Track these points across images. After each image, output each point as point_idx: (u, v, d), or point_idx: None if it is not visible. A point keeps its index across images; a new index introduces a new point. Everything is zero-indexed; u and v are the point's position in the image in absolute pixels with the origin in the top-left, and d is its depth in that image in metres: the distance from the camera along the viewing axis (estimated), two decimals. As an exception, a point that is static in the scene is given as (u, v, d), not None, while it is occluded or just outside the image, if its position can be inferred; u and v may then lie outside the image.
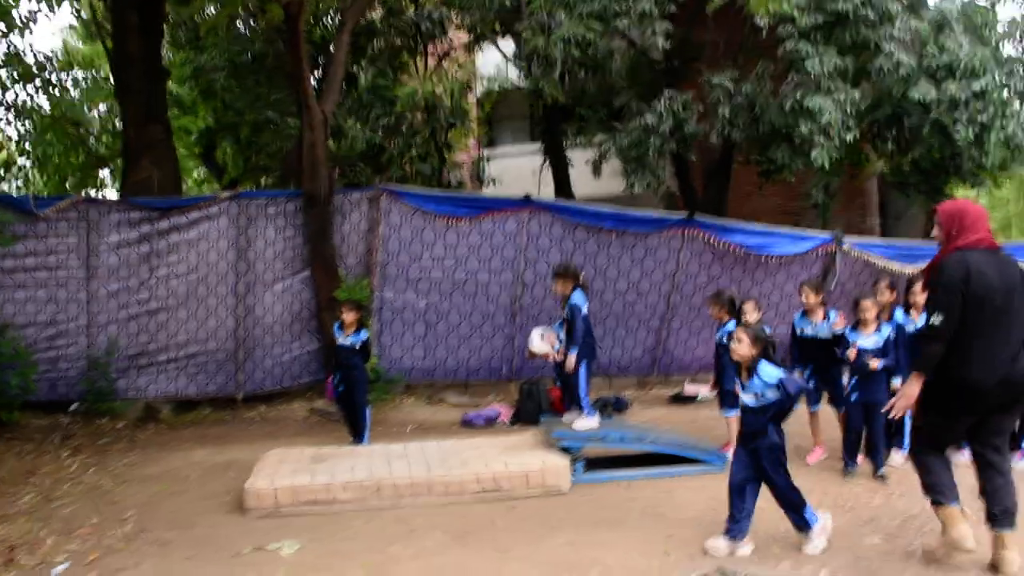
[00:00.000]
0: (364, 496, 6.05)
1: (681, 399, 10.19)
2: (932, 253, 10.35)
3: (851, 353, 6.51)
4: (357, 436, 7.87)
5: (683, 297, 10.17)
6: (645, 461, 6.80)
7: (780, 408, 4.81)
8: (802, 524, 4.88)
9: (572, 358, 6.96)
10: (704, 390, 10.13)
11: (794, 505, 4.86)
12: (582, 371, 7.03)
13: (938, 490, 4.51)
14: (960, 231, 4.47)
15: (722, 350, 7.34)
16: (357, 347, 7.85)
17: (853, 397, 6.58)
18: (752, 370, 4.86)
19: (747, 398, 4.91)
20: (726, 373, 7.26)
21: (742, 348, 4.89)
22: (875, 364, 6.41)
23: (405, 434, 8.62)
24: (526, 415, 8.75)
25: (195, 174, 18.52)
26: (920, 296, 6.59)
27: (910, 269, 9.61)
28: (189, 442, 8.50)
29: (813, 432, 7.27)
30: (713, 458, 6.80)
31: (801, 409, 7.27)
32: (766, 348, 4.87)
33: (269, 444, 8.01)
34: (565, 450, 6.55)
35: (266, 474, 6.26)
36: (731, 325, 7.28)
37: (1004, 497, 4.42)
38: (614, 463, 6.83)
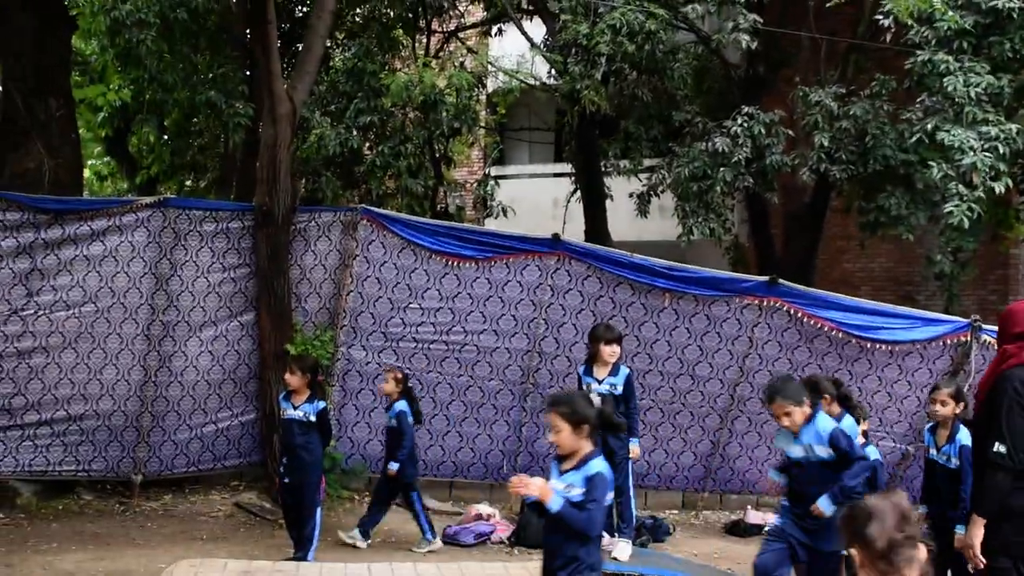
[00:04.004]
0: (310, 638, 5.93)
1: (742, 530, 10.05)
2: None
3: None
4: (300, 547, 7.76)
5: (754, 389, 10.04)
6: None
7: None
8: None
9: None
10: (774, 519, 10.01)
11: None
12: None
13: None
14: None
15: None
16: (311, 419, 7.77)
17: None
18: None
19: None
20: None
21: None
22: None
23: (366, 548, 8.48)
24: (532, 535, 8.51)
25: (97, 165, 18.54)
26: (946, 408, 6.68)
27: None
28: (59, 541, 8.35)
29: None
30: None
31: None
32: None
33: (176, 552, 7.92)
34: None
35: (175, 597, 6.15)
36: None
37: None
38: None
